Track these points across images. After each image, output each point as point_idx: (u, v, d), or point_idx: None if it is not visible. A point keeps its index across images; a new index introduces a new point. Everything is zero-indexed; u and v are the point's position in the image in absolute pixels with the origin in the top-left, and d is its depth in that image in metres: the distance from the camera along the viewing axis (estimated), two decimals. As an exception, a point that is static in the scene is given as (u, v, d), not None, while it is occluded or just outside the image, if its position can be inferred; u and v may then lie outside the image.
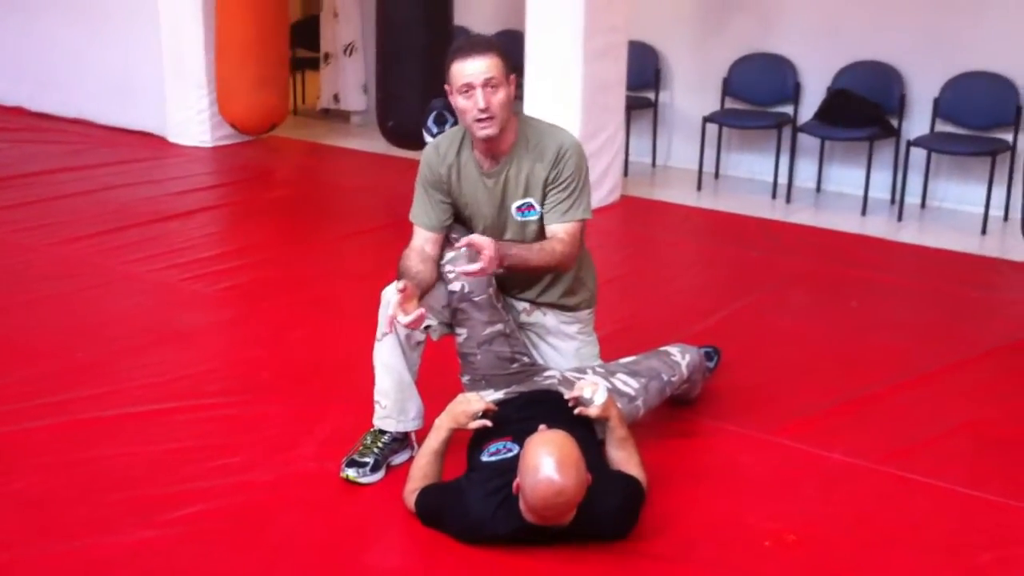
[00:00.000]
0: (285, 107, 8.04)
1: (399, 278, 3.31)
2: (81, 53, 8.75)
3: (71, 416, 3.80)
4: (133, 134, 8.46)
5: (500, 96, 3.26)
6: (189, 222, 6.28)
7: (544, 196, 3.42)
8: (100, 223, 6.10)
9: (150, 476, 3.42)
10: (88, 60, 8.71)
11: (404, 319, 3.12)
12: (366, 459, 3.42)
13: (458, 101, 3.30)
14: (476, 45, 3.31)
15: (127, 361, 4.29)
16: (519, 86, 6.38)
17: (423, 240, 3.49)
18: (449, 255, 3.48)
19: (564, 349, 3.69)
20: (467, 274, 3.23)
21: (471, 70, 3.24)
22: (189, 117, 8.11)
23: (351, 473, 3.39)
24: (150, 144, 8.21)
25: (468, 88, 3.25)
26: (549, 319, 3.67)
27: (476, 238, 3.22)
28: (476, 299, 3.42)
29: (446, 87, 3.37)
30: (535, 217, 3.45)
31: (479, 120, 3.27)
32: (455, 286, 3.43)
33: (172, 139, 8.24)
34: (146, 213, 6.34)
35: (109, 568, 2.96)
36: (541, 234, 3.46)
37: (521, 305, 3.66)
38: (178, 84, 8.07)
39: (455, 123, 3.94)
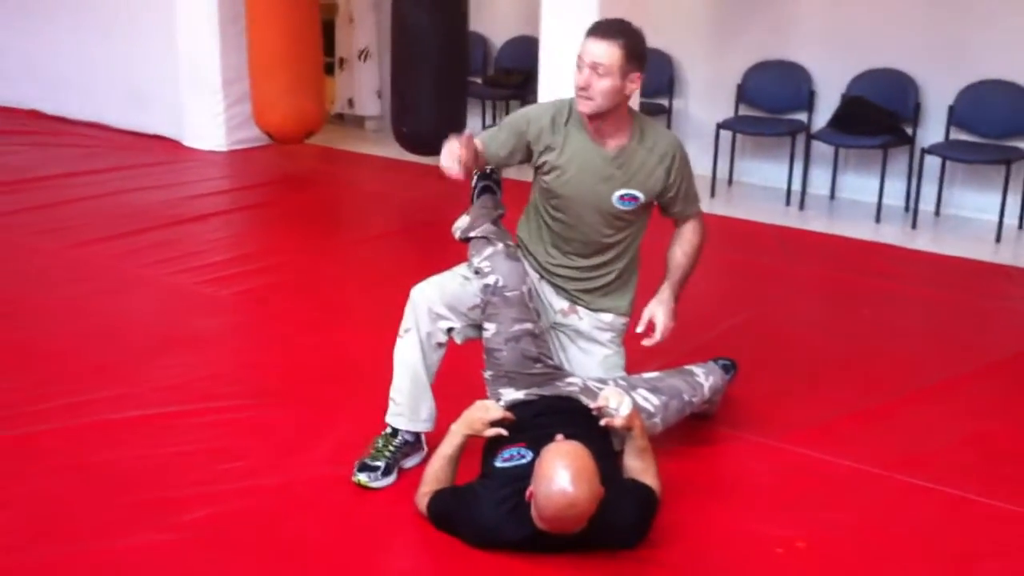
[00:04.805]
0: (321, 114, 7.91)
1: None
2: (97, 57, 8.79)
3: (83, 419, 3.82)
4: (148, 138, 8.50)
5: (604, 84, 3.35)
6: (204, 226, 6.30)
7: (659, 194, 3.57)
8: (115, 226, 6.12)
9: (161, 479, 3.43)
10: (104, 64, 8.75)
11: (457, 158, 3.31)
12: (377, 463, 3.43)
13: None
14: (607, 29, 3.39)
15: (140, 364, 4.30)
16: (534, 90, 6.37)
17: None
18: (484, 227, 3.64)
19: (593, 353, 3.69)
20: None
21: (588, 48, 3.38)
22: (205, 121, 8.14)
23: (362, 478, 3.40)
24: (165, 148, 8.25)
25: (580, 63, 3.39)
26: (584, 323, 3.69)
27: (656, 322, 3.59)
28: (508, 294, 3.46)
29: None
30: (632, 208, 3.55)
31: (578, 96, 3.41)
32: (490, 279, 3.48)
33: (187, 143, 8.27)
34: (161, 217, 6.37)
35: (120, 571, 2.97)
36: (628, 223, 3.61)
37: (559, 305, 3.69)
38: (194, 88, 8.10)
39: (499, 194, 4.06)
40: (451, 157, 3.33)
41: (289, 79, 7.35)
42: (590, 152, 3.50)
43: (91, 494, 3.34)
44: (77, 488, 3.37)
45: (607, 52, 3.33)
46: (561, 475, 2.83)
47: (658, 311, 3.60)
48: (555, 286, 3.69)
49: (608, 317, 3.69)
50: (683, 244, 3.70)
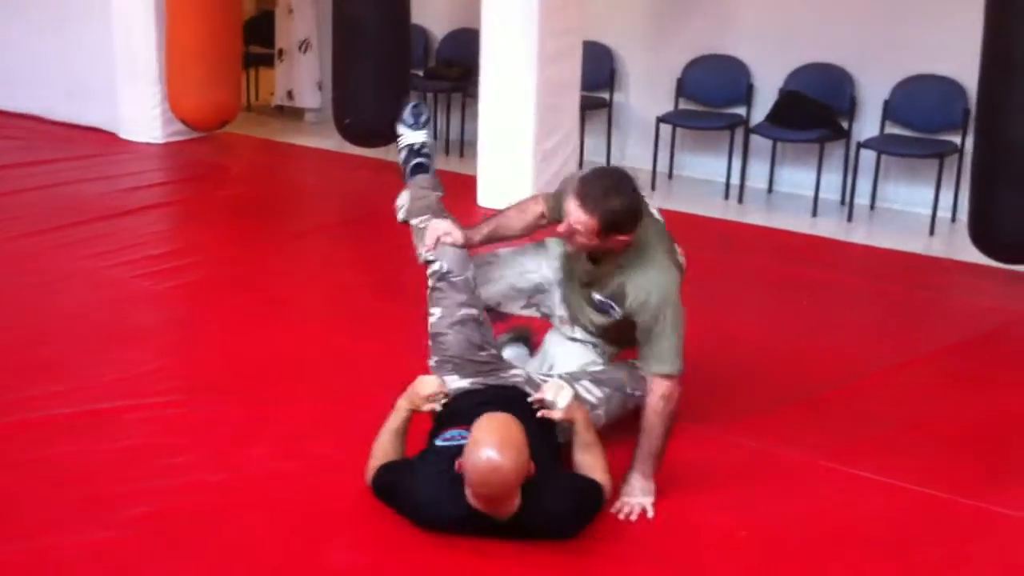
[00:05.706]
0: (236, 104, 7.98)
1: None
2: (32, 48, 8.62)
3: (20, 415, 3.76)
4: (84, 130, 8.34)
5: (583, 240, 3.31)
6: (141, 219, 6.22)
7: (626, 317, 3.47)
8: (51, 219, 6.01)
9: (102, 476, 3.39)
10: (39, 55, 8.59)
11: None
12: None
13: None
14: (586, 199, 3.25)
15: (78, 359, 4.25)
16: (475, 82, 6.37)
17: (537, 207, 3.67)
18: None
19: (580, 356, 3.73)
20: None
21: (572, 215, 3.27)
22: (141, 113, 8.02)
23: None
24: (101, 140, 8.11)
25: (566, 219, 3.31)
26: (579, 332, 3.74)
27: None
28: (454, 279, 3.52)
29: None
30: (610, 315, 3.53)
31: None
32: (436, 266, 3.55)
33: (123, 135, 8.14)
34: (97, 209, 6.27)
35: (62, 568, 2.94)
36: (615, 329, 3.59)
37: (561, 312, 3.78)
38: (130, 80, 7.98)
39: (428, 119, 4.05)
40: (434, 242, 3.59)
41: (204, 69, 7.37)
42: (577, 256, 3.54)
43: (30, 491, 3.29)
44: (15, 485, 3.33)
45: (584, 220, 3.24)
46: (487, 440, 2.90)
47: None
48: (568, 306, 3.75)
49: (599, 340, 3.74)
50: (647, 412, 3.38)
